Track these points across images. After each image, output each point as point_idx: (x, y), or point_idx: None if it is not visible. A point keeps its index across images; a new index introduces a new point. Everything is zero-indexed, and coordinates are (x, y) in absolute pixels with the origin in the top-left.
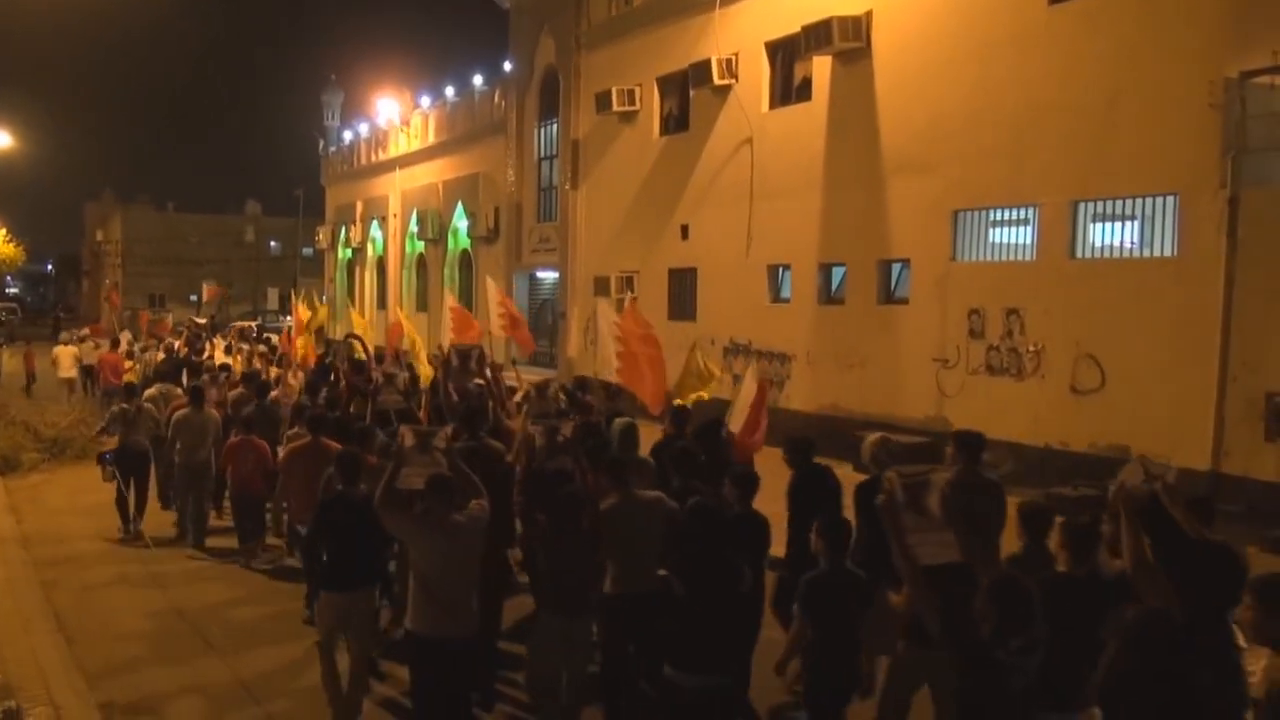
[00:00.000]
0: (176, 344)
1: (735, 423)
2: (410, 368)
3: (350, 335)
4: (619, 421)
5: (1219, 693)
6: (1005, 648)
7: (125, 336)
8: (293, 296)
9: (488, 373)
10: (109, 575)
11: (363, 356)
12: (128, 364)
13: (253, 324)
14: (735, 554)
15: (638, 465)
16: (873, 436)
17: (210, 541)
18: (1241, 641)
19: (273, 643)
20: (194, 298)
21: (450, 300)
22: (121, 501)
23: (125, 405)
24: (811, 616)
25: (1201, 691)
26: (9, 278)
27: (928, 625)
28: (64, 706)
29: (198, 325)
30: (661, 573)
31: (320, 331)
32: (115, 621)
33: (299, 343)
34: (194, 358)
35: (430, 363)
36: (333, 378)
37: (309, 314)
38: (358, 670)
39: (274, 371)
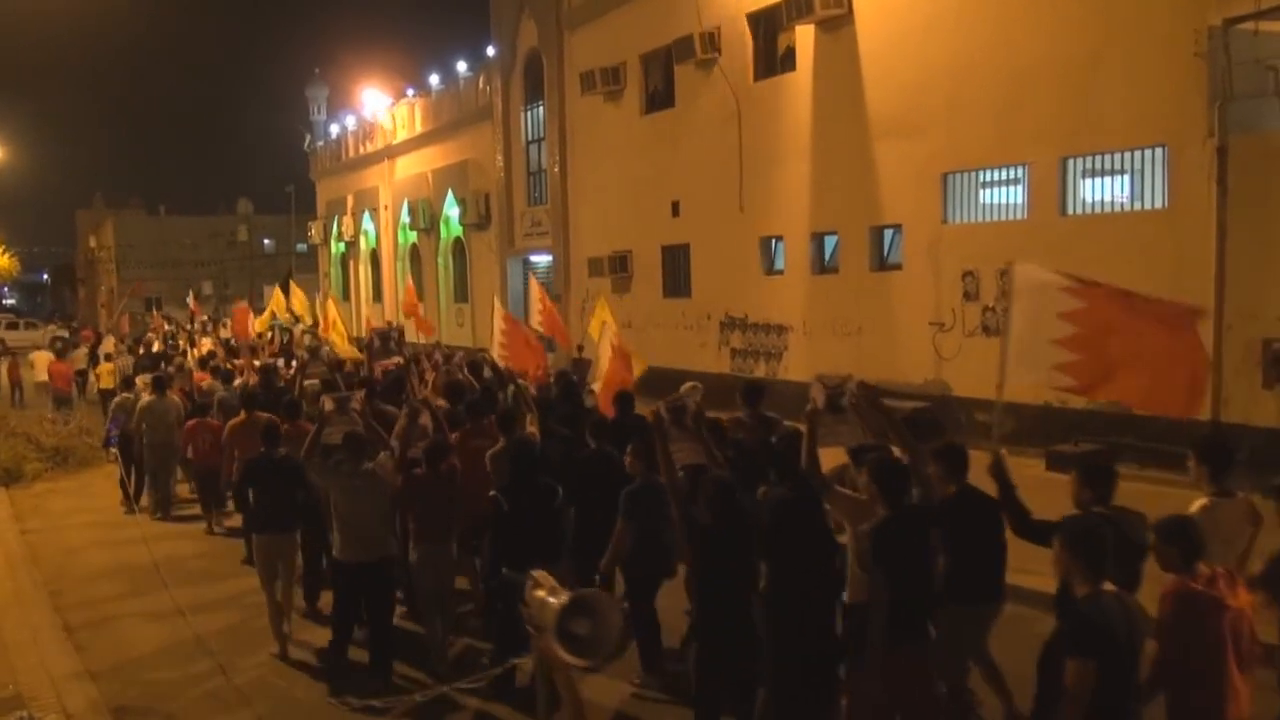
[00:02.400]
0: (155, 341)
1: (598, 379)
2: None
3: (306, 329)
4: (513, 385)
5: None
6: (718, 526)
7: (110, 340)
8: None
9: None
10: (94, 538)
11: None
12: (108, 365)
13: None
14: (548, 479)
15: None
16: (686, 386)
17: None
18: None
19: (218, 580)
20: (190, 300)
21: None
22: (123, 481)
23: (127, 395)
24: (630, 520)
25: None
26: (4, 289)
27: (671, 506)
28: (76, 714)
29: (174, 322)
30: (491, 494)
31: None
32: (94, 571)
33: (256, 325)
34: (169, 351)
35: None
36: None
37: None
38: (286, 595)
39: (238, 362)
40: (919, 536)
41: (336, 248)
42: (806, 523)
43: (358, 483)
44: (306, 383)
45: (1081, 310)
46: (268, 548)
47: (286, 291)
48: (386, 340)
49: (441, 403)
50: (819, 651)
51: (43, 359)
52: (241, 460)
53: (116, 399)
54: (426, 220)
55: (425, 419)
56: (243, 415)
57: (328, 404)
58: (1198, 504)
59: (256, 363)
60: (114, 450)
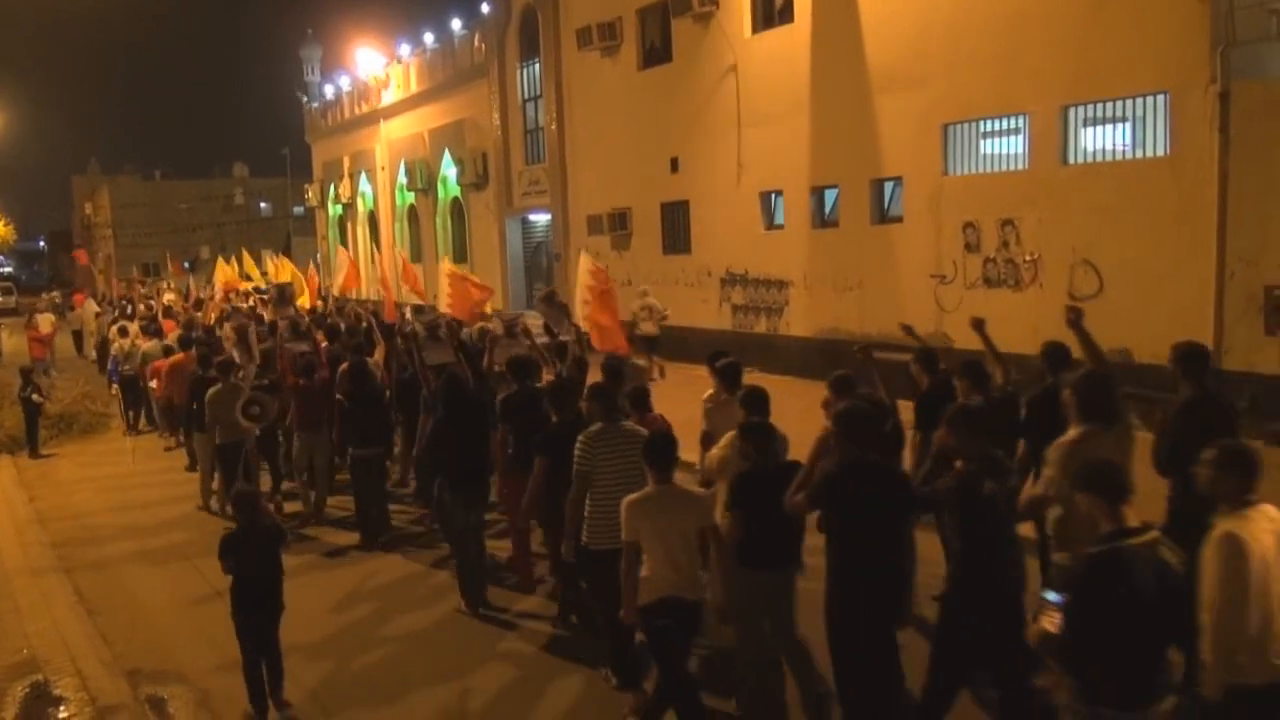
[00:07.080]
0: (134, 305)
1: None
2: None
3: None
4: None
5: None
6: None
7: (90, 304)
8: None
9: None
10: (101, 502)
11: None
12: (91, 326)
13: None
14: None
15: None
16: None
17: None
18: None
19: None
20: (186, 265)
21: (447, 268)
22: (124, 412)
23: (123, 341)
24: (429, 414)
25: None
26: (1, 257)
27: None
28: (91, 676)
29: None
30: (338, 397)
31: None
32: (102, 534)
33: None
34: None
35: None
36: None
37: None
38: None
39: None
40: (532, 406)
41: (334, 210)
42: (464, 388)
43: (223, 389)
44: (229, 326)
45: (594, 286)
46: (205, 443)
47: (289, 253)
48: (283, 295)
49: (321, 336)
50: (476, 462)
51: (45, 321)
52: (185, 383)
53: (114, 346)
54: (424, 181)
55: (306, 346)
56: (181, 355)
57: (228, 331)
58: (712, 402)
59: (202, 317)
60: (115, 384)
